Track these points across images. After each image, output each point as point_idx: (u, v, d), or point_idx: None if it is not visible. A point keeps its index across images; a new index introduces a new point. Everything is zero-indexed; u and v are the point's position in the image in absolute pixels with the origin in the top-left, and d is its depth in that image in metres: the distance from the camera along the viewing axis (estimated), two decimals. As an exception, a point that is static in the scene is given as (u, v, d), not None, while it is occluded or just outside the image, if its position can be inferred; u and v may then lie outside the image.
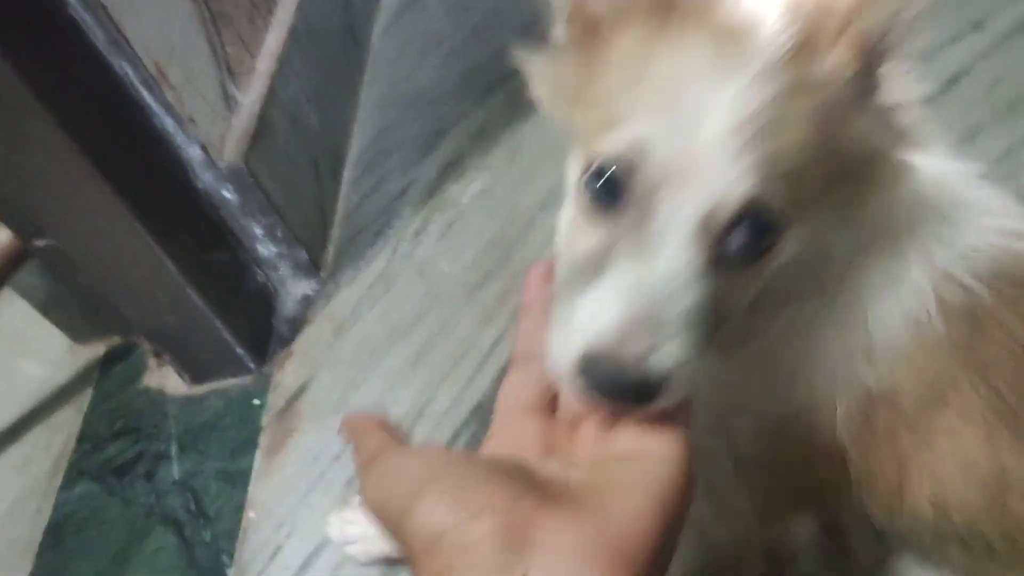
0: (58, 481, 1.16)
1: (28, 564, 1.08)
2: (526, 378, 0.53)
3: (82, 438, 1.20)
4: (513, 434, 0.50)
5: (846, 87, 0.49)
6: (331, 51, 1.50)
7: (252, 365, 1.16)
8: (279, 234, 1.20)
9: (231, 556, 0.99)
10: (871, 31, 0.48)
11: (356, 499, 0.98)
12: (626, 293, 0.47)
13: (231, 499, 1.04)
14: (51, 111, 0.91)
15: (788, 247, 0.50)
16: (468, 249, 1.23)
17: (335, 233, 1.33)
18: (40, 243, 1.06)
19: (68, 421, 1.24)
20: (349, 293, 1.24)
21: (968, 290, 0.56)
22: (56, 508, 1.12)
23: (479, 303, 1.16)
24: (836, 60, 0.48)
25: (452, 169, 1.36)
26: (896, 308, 0.57)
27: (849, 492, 0.65)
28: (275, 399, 1.13)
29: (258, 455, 1.08)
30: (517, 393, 0.53)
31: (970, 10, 1.23)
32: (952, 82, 1.15)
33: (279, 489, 1.03)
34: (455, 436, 1.02)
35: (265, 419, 1.11)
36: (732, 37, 0.47)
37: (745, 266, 0.50)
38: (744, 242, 0.48)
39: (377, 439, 0.49)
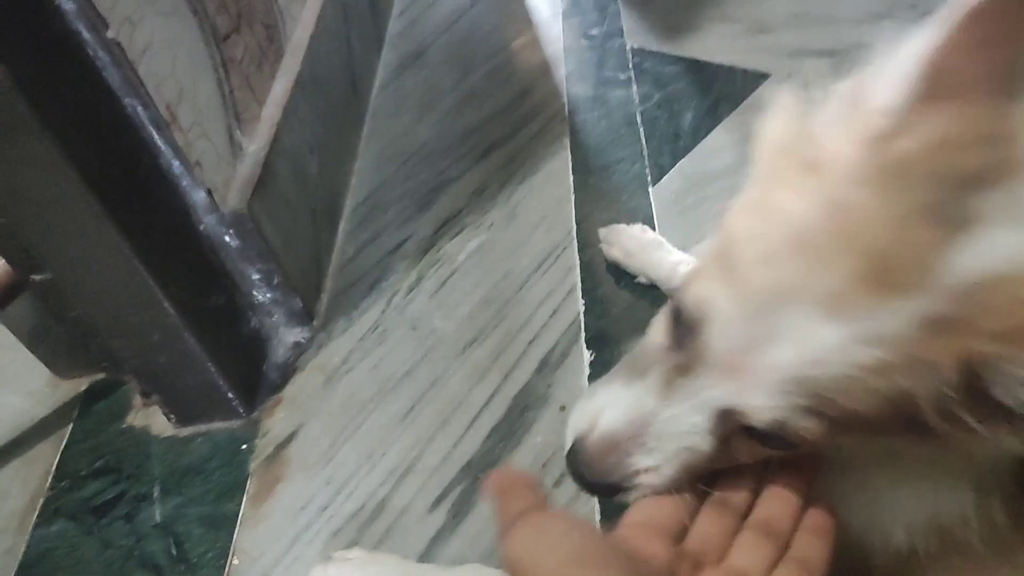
0: (33, 518, 1.14)
1: (-3, 603, 1.05)
2: (662, 501, 0.55)
3: (60, 475, 1.18)
4: (640, 538, 0.53)
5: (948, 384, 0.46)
6: (333, 102, 1.52)
7: (241, 410, 1.16)
8: (275, 280, 1.20)
9: (211, 604, 0.98)
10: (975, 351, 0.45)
11: (338, 553, 0.97)
12: (632, 413, 0.53)
13: (214, 544, 1.03)
14: (60, 144, 0.91)
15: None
16: (462, 306, 1.24)
17: (329, 283, 1.34)
18: (37, 277, 1.06)
19: (45, 457, 1.22)
20: (341, 343, 1.24)
21: None
22: (30, 546, 1.10)
23: (471, 360, 1.16)
24: (956, 358, 0.45)
25: (449, 226, 1.38)
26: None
27: None
28: (263, 445, 1.13)
29: (244, 501, 1.07)
30: (651, 512, 0.55)
31: None
32: None
33: (264, 537, 1.03)
34: (444, 494, 1.02)
35: (252, 465, 1.11)
36: (870, 286, 0.45)
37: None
38: (755, 442, 0.52)
39: (525, 501, 0.52)
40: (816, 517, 0.58)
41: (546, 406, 1.08)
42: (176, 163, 1.06)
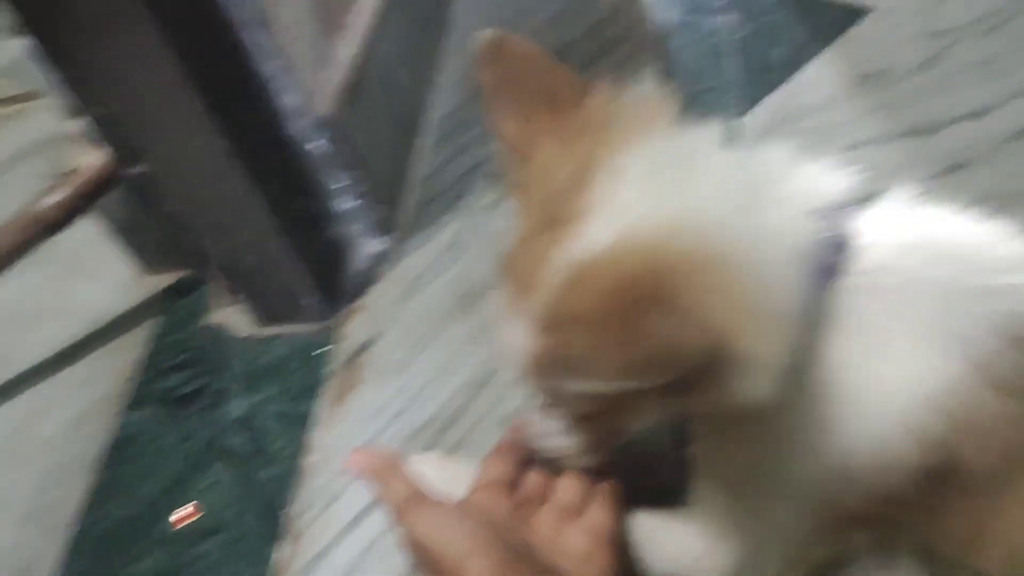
0: (120, 403, 1.18)
1: (84, 482, 1.10)
2: (504, 463, 0.68)
3: (145, 365, 1.23)
4: (489, 505, 0.64)
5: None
6: (422, 16, 1.51)
7: (321, 315, 1.18)
8: (360, 190, 1.21)
9: (288, 497, 1.01)
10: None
11: (414, 455, 0.99)
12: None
13: (291, 441, 1.07)
14: (167, 36, 0.92)
15: (639, 419, 0.59)
16: (542, 226, 1.24)
17: (410, 196, 1.35)
18: (135, 169, 1.09)
19: (131, 347, 1.26)
20: (419, 257, 1.25)
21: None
22: (117, 430, 1.14)
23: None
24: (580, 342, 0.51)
25: (531, 146, 1.37)
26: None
27: (913, 526, 0.66)
28: (341, 350, 1.15)
29: (321, 402, 1.10)
30: (492, 472, 0.68)
31: None
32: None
33: (341, 437, 1.05)
34: (518, 408, 1.03)
35: (330, 368, 1.13)
36: (521, 292, 0.54)
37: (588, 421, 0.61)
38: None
39: (405, 486, 0.63)
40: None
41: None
42: (272, 65, 1.07)
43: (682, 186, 0.53)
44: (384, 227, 1.27)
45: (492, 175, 1.34)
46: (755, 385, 0.51)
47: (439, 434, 1.03)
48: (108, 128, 1.06)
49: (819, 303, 0.56)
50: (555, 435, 0.64)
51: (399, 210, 1.32)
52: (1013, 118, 1.14)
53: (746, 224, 0.52)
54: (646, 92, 0.60)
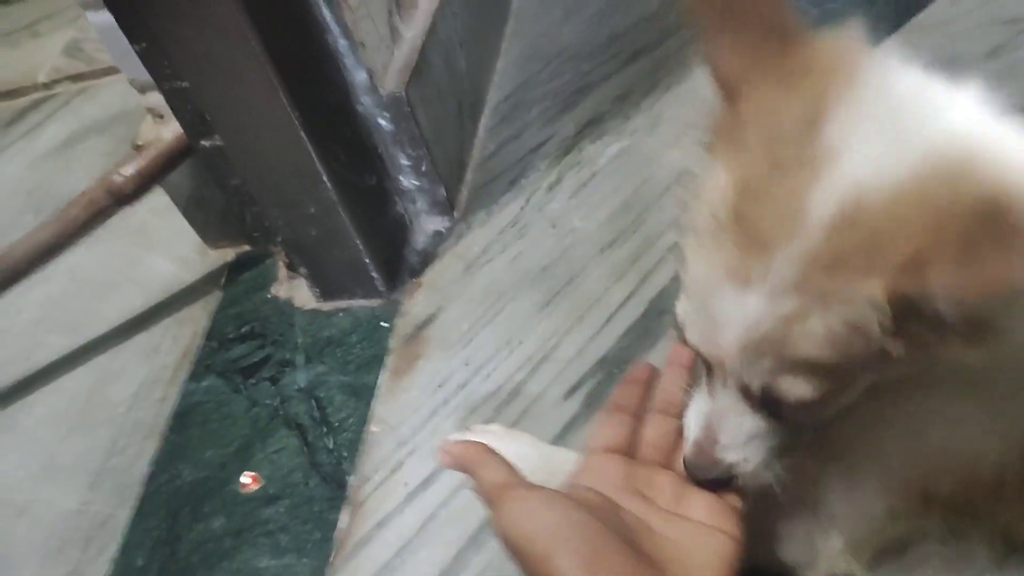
0: (184, 373, 1.21)
1: (151, 447, 1.13)
2: (617, 425, 0.68)
3: (209, 336, 1.25)
4: (603, 473, 0.63)
5: (877, 311, 0.47)
6: (483, 0, 1.52)
7: (383, 289, 1.20)
8: (423, 167, 1.23)
9: (351, 465, 1.03)
10: (916, 288, 0.46)
11: (476, 426, 1.01)
12: (701, 421, 0.61)
13: (354, 412, 1.09)
14: (247, 12, 0.94)
15: (856, 391, 0.55)
16: (602, 208, 1.25)
17: (470, 176, 1.36)
18: (206, 143, 1.11)
19: (195, 319, 1.29)
20: (480, 235, 1.27)
21: None
22: (183, 397, 1.17)
23: (609, 261, 1.18)
24: (868, 289, 0.47)
25: (591, 128, 1.38)
26: None
27: (996, 510, 0.66)
28: (403, 324, 1.17)
29: (384, 374, 1.12)
30: (608, 436, 0.67)
31: None
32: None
33: (403, 409, 1.07)
34: (579, 384, 1.04)
35: (392, 342, 1.15)
36: (757, 249, 0.49)
37: (797, 410, 0.56)
38: (779, 407, 0.56)
39: (501, 472, 0.60)
40: None
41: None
42: (343, 41, 1.09)
43: (953, 130, 0.50)
44: (445, 206, 1.28)
45: (550, 157, 1.35)
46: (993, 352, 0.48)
47: (501, 408, 1.04)
48: (182, 102, 1.08)
49: None
50: (747, 441, 0.60)
51: (460, 189, 1.33)
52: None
53: None
54: (854, 37, 0.55)
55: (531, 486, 0.59)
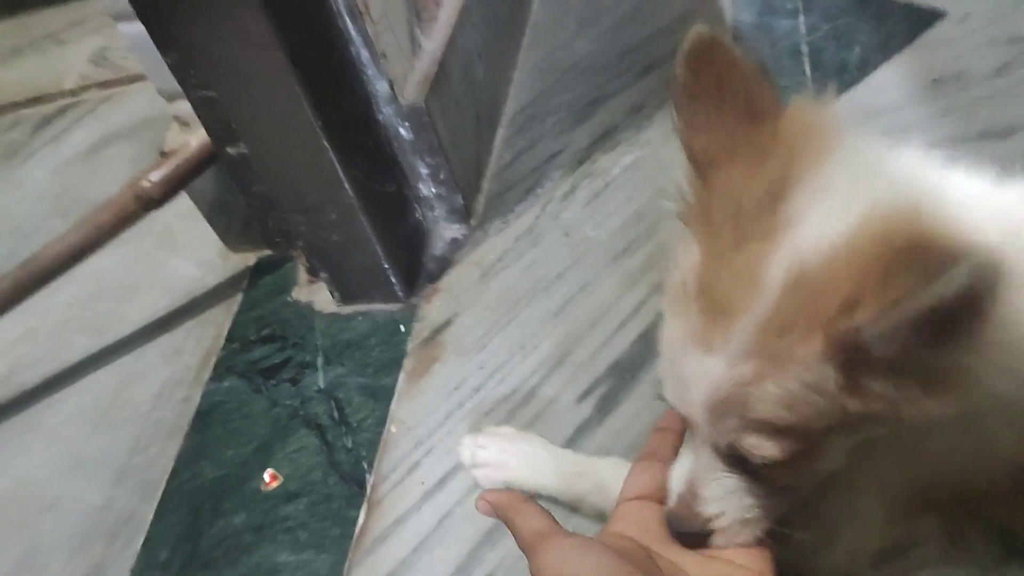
0: (206, 373, 1.24)
1: (174, 445, 1.16)
2: (651, 473, 0.69)
3: (231, 338, 1.28)
4: (637, 520, 0.65)
5: (826, 368, 0.51)
6: (500, 11, 1.56)
7: (401, 294, 1.23)
8: (441, 176, 1.26)
9: (370, 464, 1.06)
10: (847, 334, 0.49)
11: (489, 428, 1.04)
12: (683, 475, 0.65)
13: (373, 412, 1.11)
14: (274, 23, 0.97)
15: (830, 454, 0.58)
16: (615, 217, 1.28)
17: (487, 185, 1.39)
18: (232, 150, 1.15)
19: (216, 321, 1.32)
20: (496, 243, 1.29)
21: None
22: (204, 397, 1.20)
23: (622, 269, 1.20)
24: (812, 347, 0.50)
25: (605, 140, 1.41)
26: None
27: (993, 510, 0.69)
28: (420, 329, 1.20)
29: (401, 377, 1.15)
30: (642, 483, 0.68)
31: None
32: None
33: (420, 410, 1.10)
34: (591, 388, 1.07)
35: (410, 346, 1.18)
36: (718, 317, 0.53)
37: (777, 468, 0.58)
38: (752, 464, 0.58)
39: (539, 520, 0.62)
40: None
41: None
42: (365, 52, 1.12)
43: (895, 184, 0.53)
44: (462, 214, 1.32)
45: (565, 167, 1.38)
46: (996, 376, 0.51)
47: (514, 411, 1.07)
48: (209, 111, 1.12)
49: None
50: (724, 497, 0.63)
51: (476, 198, 1.37)
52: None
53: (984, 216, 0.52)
54: (820, 105, 0.58)
55: (567, 534, 0.60)
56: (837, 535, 0.72)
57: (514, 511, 0.63)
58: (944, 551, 0.84)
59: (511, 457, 0.99)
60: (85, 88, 1.89)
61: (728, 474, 0.61)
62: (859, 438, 0.57)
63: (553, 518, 0.62)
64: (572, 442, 1.02)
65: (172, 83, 1.12)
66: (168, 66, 1.09)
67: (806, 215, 0.52)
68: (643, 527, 0.65)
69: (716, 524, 0.64)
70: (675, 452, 0.71)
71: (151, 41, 1.05)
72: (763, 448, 0.56)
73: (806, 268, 0.50)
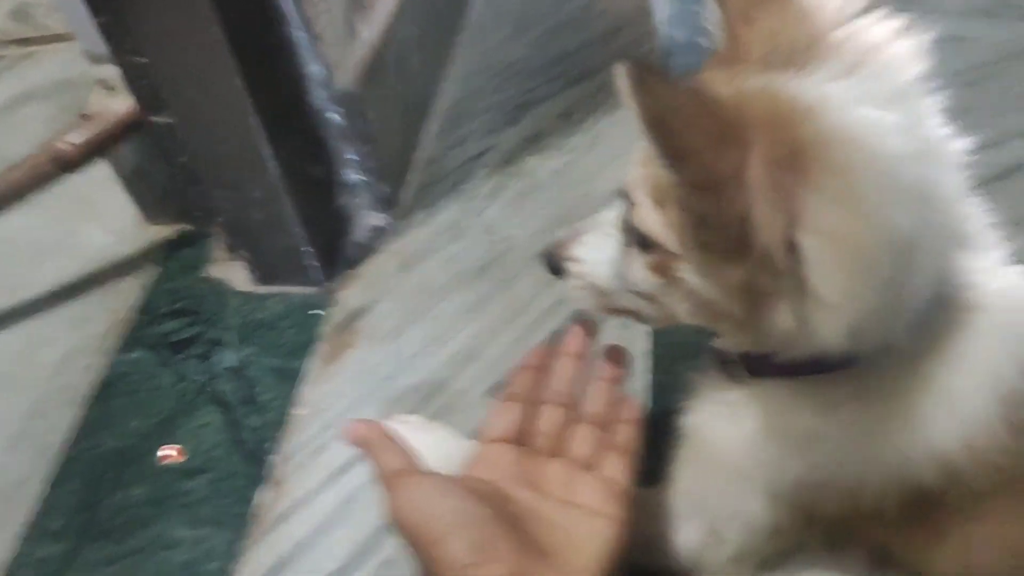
0: (113, 343, 1.22)
1: (75, 413, 1.14)
2: (511, 415, 0.71)
3: (142, 310, 1.26)
4: (497, 462, 0.68)
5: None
6: (439, 6, 1.57)
7: (319, 278, 1.23)
8: (368, 164, 1.26)
9: (274, 445, 1.06)
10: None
11: (397, 416, 1.05)
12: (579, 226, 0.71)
13: (281, 394, 1.11)
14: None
15: (686, 276, 0.58)
16: (537, 219, 1.30)
17: (413, 177, 1.40)
18: (158, 119, 1.13)
19: (128, 292, 1.30)
20: (418, 234, 1.31)
21: None
22: (111, 367, 1.18)
23: (540, 269, 1.22)
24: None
25: (533, 142, 1.43)
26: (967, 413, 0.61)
27: (875, 532, 0.72)
28: (336, 313, 1.20)
29: (313, 360, 1.15)
30: (502, 425, 0.71)
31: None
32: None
33: (330, 394, 1.10)
34: (502, 382, 1.09)
35: (324, 329, 1.18)
36: None
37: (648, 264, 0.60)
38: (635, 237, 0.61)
39: (398, 457, 0.65)
40: (629, 409, 0.74)
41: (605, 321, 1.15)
42: (302, 34, 1.12)
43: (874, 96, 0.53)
44: (386, 203, 1.32)
45: (492, 165, 1.40)
46: (822, 324, 0.50)
47: (424, 401, 1.08)
48: (138, 77, 1.10)
49: (941, 293, 0.57)
50: (595, 250, 0.67)
51: (402, 189, 1.37)
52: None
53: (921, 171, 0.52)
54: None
55: (426, 473, 0.63)
56: (724, 538, 0.75)
57: (377, 446, 0.66)
58: (823, 560, 0.87)
59: (418, 445, 1.00)
60: (4, 44, 1.83)
61: (614, 240, 0.65)
62: (702, 299, 0.57)
63: (413, 457, 0.65)
64: (477, 434, 1.04)
65: (99, 45, 1.10)
66: (99, 28, 1.07)
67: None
68: (502, 470, 0.67)
69: (572, 266, 0.70)
70: (535, 391, 0.74)
71: (81, 1, 1.04)
72: (647, 214, 0.58)
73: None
